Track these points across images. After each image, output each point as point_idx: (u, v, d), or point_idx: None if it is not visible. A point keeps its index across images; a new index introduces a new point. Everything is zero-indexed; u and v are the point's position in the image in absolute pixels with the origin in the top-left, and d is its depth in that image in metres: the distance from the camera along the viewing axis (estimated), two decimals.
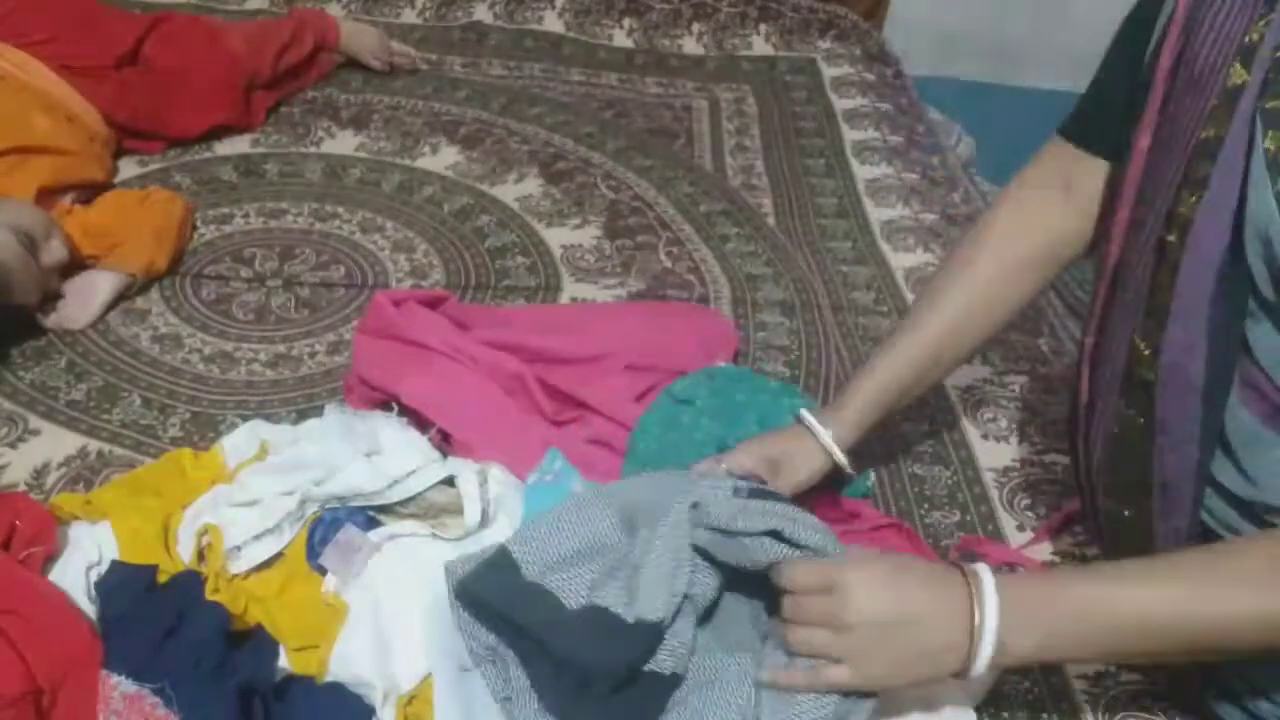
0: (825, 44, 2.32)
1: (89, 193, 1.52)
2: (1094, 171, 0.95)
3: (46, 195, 1.41)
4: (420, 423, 1.09)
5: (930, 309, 1.02)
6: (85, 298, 1.34)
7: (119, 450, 1.15)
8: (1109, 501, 0.91)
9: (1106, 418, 0.88)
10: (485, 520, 0.99)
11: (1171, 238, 0.77)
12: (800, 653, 0.79)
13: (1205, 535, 0.84)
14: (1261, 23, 0.72)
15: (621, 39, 2.29)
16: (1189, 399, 0.78)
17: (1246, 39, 0.73)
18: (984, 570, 0.75)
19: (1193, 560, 0.76)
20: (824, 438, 1.00)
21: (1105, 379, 0.87)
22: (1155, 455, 0.82)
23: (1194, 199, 0.75)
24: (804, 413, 1.02)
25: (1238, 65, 0.73)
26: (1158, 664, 0.93)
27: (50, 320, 1.32)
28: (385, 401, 1.13)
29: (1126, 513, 0.88)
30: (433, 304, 1.24)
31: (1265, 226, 0.71)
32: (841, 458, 1.01)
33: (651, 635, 0.78)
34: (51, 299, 1.33)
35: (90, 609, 0.88)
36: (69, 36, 1.60)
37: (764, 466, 0.98)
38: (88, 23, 1.65)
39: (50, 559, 0.92)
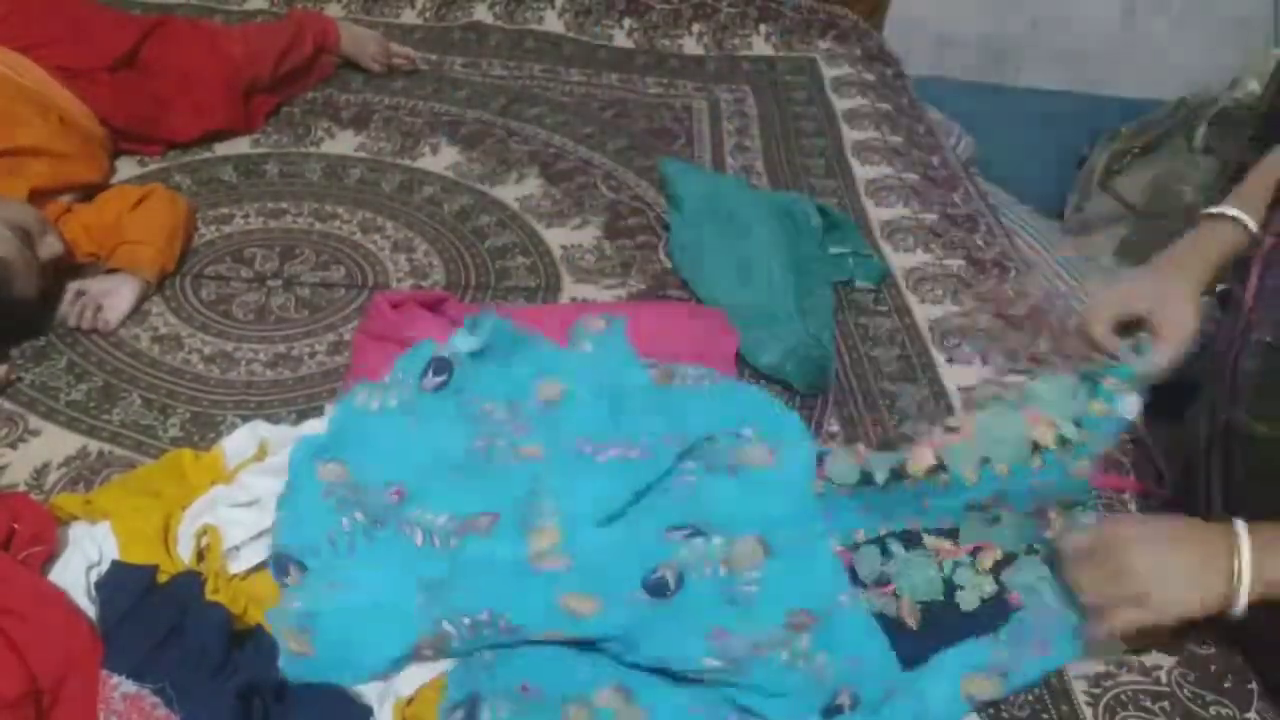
0: (825, 44, 2.32)
1: (88, 192, 1.52)
2: None
3: (39, 196, 1.41)
4: None
5: None
6: (116, 300, 1.35)
7: (119, 450, 1.15)
8: (1252, 422, 0.90)
9: (1266, 324, 0.88)
10: None
11: None
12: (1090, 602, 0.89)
13: None
14: None
15: (621, 39, 2.29)
16: None
17: None
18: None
19: None
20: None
21: (1271, 285, 0.88)
22: None
23: None
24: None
25: None
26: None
27: (94, 322, 1.32)
28: None
29: (1264, 429, 0.89)
30: (433, 305, 1.24)
31: None
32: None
33: None
34: (71, 295, 1.35)
35: (90, 609, 0.88)
36: (65, 39, 1.59)
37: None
38: (84, 25, 1.64)
39: (50, 559, 0.92)
